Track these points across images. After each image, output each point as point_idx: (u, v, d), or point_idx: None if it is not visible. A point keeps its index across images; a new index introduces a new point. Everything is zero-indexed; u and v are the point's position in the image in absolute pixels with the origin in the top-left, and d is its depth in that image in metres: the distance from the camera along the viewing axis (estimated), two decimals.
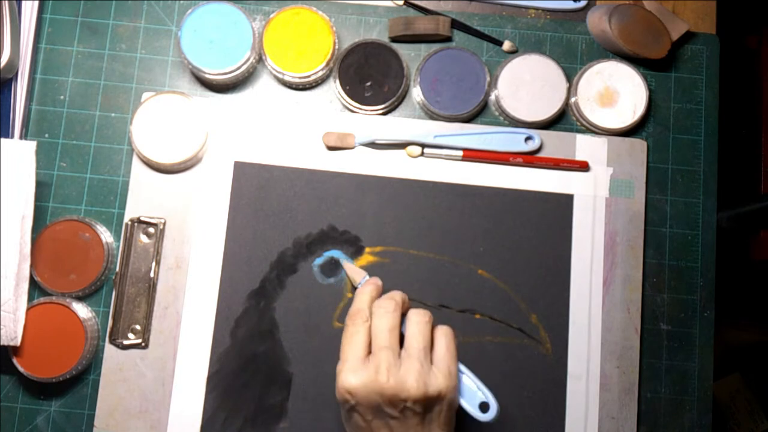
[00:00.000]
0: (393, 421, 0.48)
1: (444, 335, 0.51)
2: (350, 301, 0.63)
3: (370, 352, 0.50)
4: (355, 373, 0.48)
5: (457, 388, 0.50)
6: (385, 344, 0.49)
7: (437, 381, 0.49)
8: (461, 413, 0.52)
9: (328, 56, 0.65)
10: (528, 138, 0.66)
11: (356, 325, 0.51)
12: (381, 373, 0.48)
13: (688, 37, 0.69)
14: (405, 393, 0.48)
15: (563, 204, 0.66)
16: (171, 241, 0.64)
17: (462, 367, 0.52)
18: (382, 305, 0.51)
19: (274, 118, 0.66)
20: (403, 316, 0.53)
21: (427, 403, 0.48)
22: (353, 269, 0.62)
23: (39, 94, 0.66)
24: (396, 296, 0.53)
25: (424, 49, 0.68)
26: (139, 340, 0.62)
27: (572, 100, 0.67)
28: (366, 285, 0.55)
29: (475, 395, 0.52)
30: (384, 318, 0.51)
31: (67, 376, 0.61)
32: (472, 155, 0.65)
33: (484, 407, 0.52)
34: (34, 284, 0.63)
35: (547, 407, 0.63)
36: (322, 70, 0.65)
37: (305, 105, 0.67)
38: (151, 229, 0.64)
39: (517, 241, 0.65)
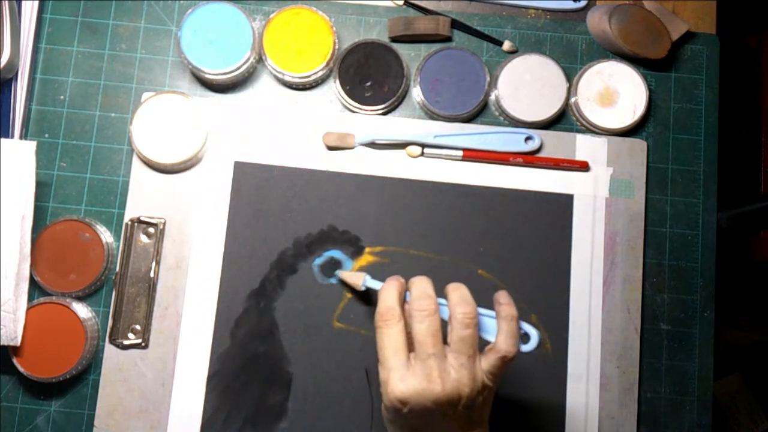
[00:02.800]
0: (443, 419, 0.48)
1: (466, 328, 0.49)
2: (350, 301, 0.63)
3: (409, 350, 0.49)
4: (405, 381, 0.47)
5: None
6: (431, 351, 0.48)
7: (485, 382, 0.49)
8: None
9: (328, 56, 0.65)
10: (528, 138, 0.66)
11: (390, 326, 0.49)
12: (434, 382, 0.47)
13: (688, 37, 0.69)
14: (458, 398, 0.48)
15: (563, 204, 0.66)
16: (171, 241, 0.64)
17: (483, 311, 0.52)
18: (422, 308, 0.49)
19: (274, 118, 0.66)
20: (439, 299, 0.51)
21: (476, 401, 0.48)
22: (350, 275, 0.61)
23: (39, 94, 0.66)
24: (430, 291, 0.50)
25: (424, 49, 0.68)
26: (139, 340, 0.62)
27: (572, 100, 0.67)
28: (391, 281, 0.53)
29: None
30: (425, 322, 0.49)
31: (67, 376, 0.61)
32: (472, 155, 0.65)
33: (524, 338, 0.51)
34: (34, 284, 0.63)
35: (547, 407, 0.63)
36: (322, 70, 0.65)
37: (305, 105, 0.67)
38: (151, 229, 0.64)
39: (517, 241, 0.65)
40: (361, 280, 0.60)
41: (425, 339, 0.48)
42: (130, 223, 0.63)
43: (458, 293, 0.51)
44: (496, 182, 0.66)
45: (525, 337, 0.52)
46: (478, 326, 0.49)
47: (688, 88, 0.69)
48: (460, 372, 0.48)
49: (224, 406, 0.62)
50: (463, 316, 0.49)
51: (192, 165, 0.65)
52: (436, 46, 0.67)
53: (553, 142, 0.66)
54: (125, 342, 0.62)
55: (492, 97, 0.67)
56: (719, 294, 0.66)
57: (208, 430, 0.61)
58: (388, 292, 0.51)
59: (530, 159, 0.65)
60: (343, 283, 0.63)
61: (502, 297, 0.51)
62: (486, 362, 0.49)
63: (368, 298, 0.63)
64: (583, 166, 0.66)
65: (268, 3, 0.68)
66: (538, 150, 0.66)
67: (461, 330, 0.49)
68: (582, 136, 0.67)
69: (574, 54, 0.69)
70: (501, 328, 0.50)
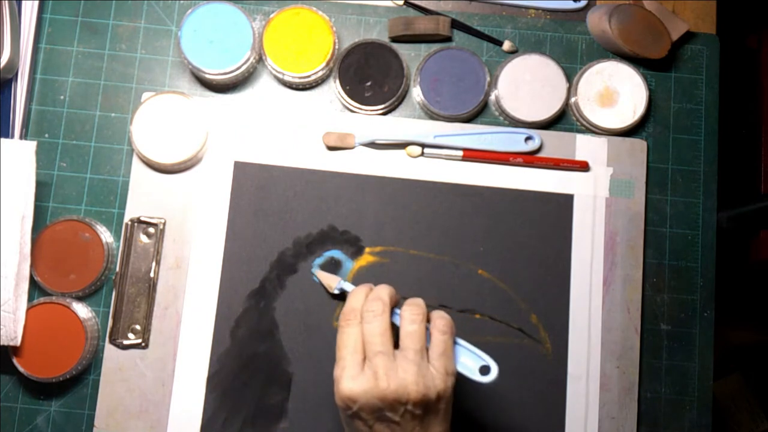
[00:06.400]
0: (394, 424, 0.49)
1: (439, 332, 0.51)
2: None
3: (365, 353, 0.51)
4: (355, 380, 0.49)
5: (454, 384, 0.50)
6: (379, 349, 0.49)
7: (435, 382, 0.49)
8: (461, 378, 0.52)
9: (328, 56, 0.65)
10: (528, 138, 0.66)
11: (351, 326, 0.51)
12: (381, 379, 0.48)
13: (688, 37, 0.69)
14: (405, 397, 0.48)
15: (563, 204, 0.66)
16: (171, 241, 0.64)
17: (458, 339, 0.53)
18: (371, 309, 0.51)
19: (274, 118, 0.66)
20: (396, 308, 0.53)
21: (427, 405, 0.49)
22: (326, 276, 0.62)
23: (39, 94, 0.66)
24: (383, 295, 0.52)
25: (424, 49, 0.68)
26: (139, 340, 0.62)
27: (572, 100, 0.67)
28: (361, 286, 0.55)
29: (475, 359, 0.53)
30: (374, 322, 0.50)
31: (67, 376, 0.61)
32: (472, 155, 0.65)
33: (483, 370, 0.52)
34: (34, 284, 0.63)
35: (547, 407, 0.63)
36: (322, 70, 0.65)
37: (305, 105, 0.67)
38: (151, 229, 0.64)
39: (517, 241, 0.65)
40: (336, 283, 0.61)
41: (372, 338, 0.50)
42: (130, 223, 0.63)
43: (409, 299, 0.53)
44: (496, 182, 0.66)
45: (485, 369, 0.52)
46: (424, 323, 0.51)
47: (688, 88, 0.69)
48: (407, 369, 0.49)
49: (224, 406, 0.62)
50: (409, 313, 0.51)
51: (192, 165, 0.65)
52: (436, 46, 0.67)
53: (553, 142, 0.66)
54: (125, 342, 0.62)
55: (492, 97, 0.67)
56: (719, 294, 0.66)
57: (208, 430, 0.61)
58: (355, 295, 0.53)
59: (530, 159, 0.65)
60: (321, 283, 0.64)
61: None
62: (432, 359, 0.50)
63: None
64: (583, 166, 0.66)
65: (268, 3, 0.68)
66: (538, 150, 0.66)
67: (407, 326, 0.51)
68: (582, 136, 0.67)
69: (574, 54, 0.69)
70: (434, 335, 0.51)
